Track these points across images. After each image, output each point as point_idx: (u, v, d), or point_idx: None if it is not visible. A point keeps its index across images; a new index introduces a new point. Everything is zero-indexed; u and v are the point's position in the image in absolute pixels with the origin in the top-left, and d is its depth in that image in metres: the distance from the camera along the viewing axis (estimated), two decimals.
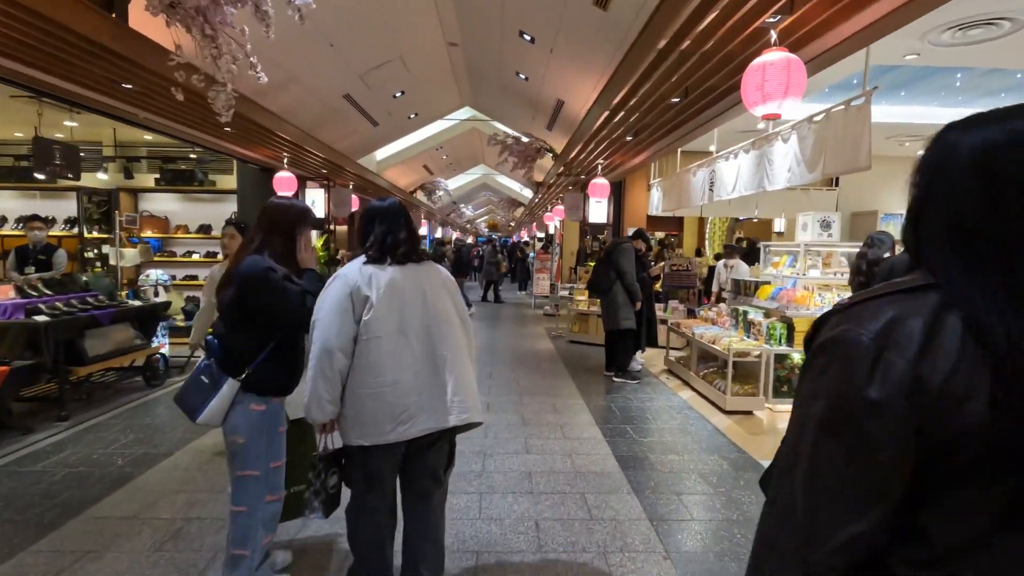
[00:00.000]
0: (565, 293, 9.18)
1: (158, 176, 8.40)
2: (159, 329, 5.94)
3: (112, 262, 5.84)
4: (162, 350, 5.96)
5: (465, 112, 14.16)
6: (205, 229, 8.77)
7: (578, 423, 4.76)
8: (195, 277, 8.81)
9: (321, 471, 2.20)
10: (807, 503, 0.67)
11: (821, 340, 0.70)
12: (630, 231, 8.79)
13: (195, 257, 8.73)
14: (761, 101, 2.87)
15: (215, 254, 8.76)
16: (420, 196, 16.56)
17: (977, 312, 0.61)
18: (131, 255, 6.03)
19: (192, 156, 8.21)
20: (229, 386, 2.29)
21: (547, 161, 9.72)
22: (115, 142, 8.07)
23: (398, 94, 9.05)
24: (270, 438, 2.35)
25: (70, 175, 5.21)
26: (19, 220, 7.96)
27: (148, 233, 8.64)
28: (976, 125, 0.67)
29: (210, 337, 2.40)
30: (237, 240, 3.12)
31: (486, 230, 44.61)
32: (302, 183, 9.17)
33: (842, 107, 3.95)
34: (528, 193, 20.96)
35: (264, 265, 2.26)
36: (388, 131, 11.03)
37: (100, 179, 8.30)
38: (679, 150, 8.02)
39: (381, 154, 14.41)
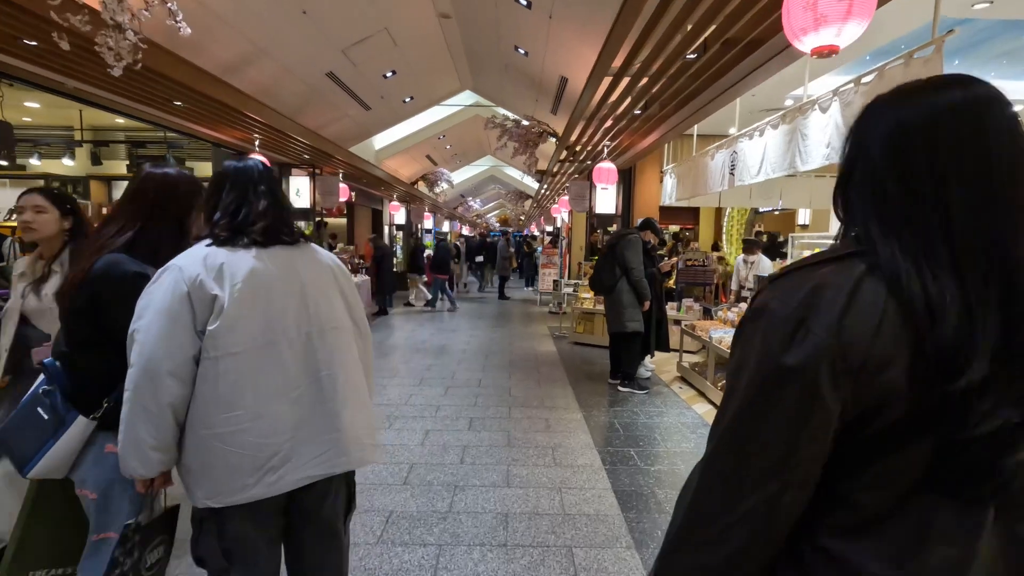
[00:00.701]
0: (569, 290, 8.45)
1: (129, 163, 7.81)
2: None
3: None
4: None
5: (467, 97, 13.43)
6: None
7: (573, 445, 4.05)
8: None
9: (133, 546, 1.51)
10: (725, 468, 0.67)
11: (748, 311, 0.70)
12: (639, 222, 8.04)
13: None
14: (812, 27, 2.07)
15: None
16: (422, 187, 15.89)
17: (897, 278, 0.62)
18: None
19: (163, 141, 7.60)
20: (79, 425, 1.64)
21: (551, 147, 8.98)
22: (81, 125, 7.49)
23: (389, 74, 8.35)
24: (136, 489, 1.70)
25: (4, 155, 4.61)
26: None
27: None
28: (896, 100, 0.68)
29: (49, 360, 1.74)
30: (50, 217, 2.08)
31: (497, 224, 43.91)
32: (286, 169, 8.53)
33: (901, 62, 3.17)
34: (534, 184, 20.19)
35: (131, 271, 1.62)
36: (383, 116, 10.34)
37: (67, 165, 7.74)
38: (695, 133, 7.24)
39: (380, 143, 13.76)
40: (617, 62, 4.05)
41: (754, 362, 0.66)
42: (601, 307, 6.88)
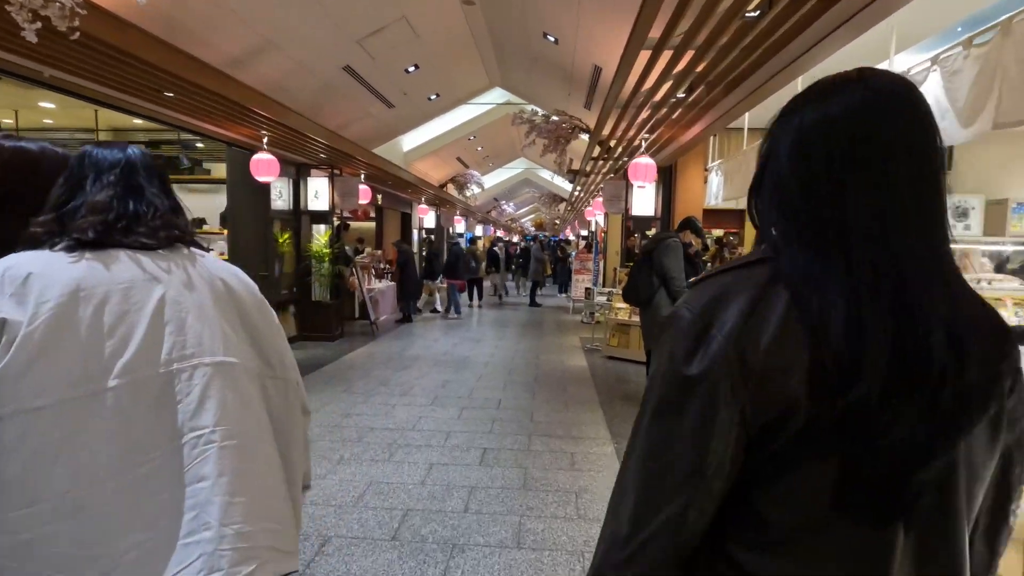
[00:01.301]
0: (602, 299, 7.77)
1: None
2: None
3: None
4: None
5: (498, 96, 12.91)
6: (199, 223, 7.89)
7: (601, 490, 3.39)
8: None
9: None
10: (632, 485, 0.66)
11: (665, 318, 0.69)
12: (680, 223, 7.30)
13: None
14: None
15: (210, 250, 7.86)
16: (451, 191, 15.45)
17: (796, 285, 0.61)
18: None
19: (177, 141, 7.33)
20: None
21: (583, 146, 8.33)
22: (97, 126, 7.29)
23: (411, 68, 7.89)
24: None
25: None
26: None
27: None
28: (802, 102, 0.67)
29: None
30: None
31: (532, 228, 43.35)
32: (304, 170, 8.16)
33: None
34: (567, 186, 19.46)
35: None
36: (408, 115, 9.91)
37: None
38: (745, 126, 6.46)
39: (408, 144, 13.38)
40: (655, 32, 3.39)
41: (662, 372, 0.65)
42: (637, 318, 6.18)
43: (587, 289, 7.78)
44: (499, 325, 10.28)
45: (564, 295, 16.31)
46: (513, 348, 7.97)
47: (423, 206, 13.60)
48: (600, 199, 10.38)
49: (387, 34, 6.63)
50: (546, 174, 21.90)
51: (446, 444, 4.10)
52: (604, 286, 11.12)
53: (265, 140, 6.05)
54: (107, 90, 4.22)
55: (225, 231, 7.47)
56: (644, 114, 5.25)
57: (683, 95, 4.42)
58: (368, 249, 14.26)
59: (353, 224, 16.12)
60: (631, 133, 6.00)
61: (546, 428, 4.50)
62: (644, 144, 5.74)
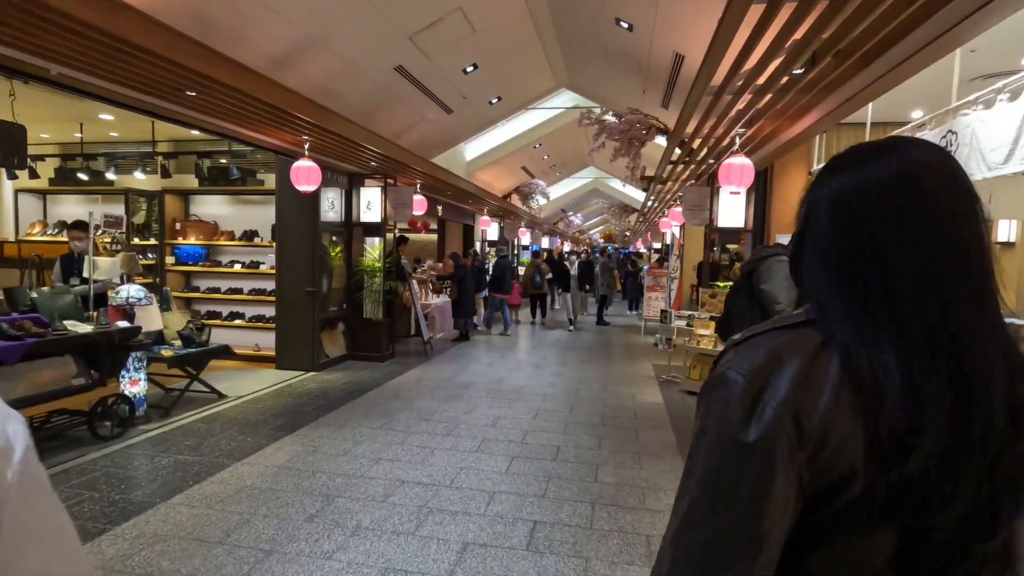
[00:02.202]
0: (681, 323, 6.74)
1: (205, 176, 7.39)
2: (131, 362, 4.60)
3: (86, 274, 4.64)
4: (131, 388, 4.61)
5: (565, 100, 12.13)
6: (250, 235, 7.63)
7: None
8: (239, 290, 7.71)
9: None
10: (685, 553, 0.63)
11: (709, 378, 0.68)
12: (779, 239, 6.18)
13: (237, 268, 7.61)
14: None
15: (259, 264, 7.59)
16: (516, 201, 14.79)
17: (847, 352, 0.61)
18: (106, 265, 4.81)
19: (228, 151, 7.07)
20: None
21: (657, 152, 7.35)
22: (153, 137, 7.17)
23: (469, 68, 7.28)
24: None
25: (13, 162, 4.02)
26: (60, 225, 7.32)
27: (192, 240, 7.70)
28: (836, 167, 0.68)
29: None
30: None
31: (600, 240, 42.08)
32: (358, 180, 7.72)
33: None
34: (640, 195, 18.23)
35: None
36: (468, 120, 9.33)
37: (139, 179, 7.47)
38: (868, 120, 5.29)
39: (471, 153, 12.87)
40: None
41: (713, 435, 0.64)
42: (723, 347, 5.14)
43: (664, 311, 6.77)
44: (563, 347, 9.41)
45: (634, 312, 15.19)
46: (577, 376, 7.09)
47: (485, 217, 13.01)
48: (678, 208, 9.33)
49: (441, 29, 6.03)
50: (616, 183, 20.84)
51: (487, 512, 3.30)
52: (681, 307, 10.03)
53: (307, 146, 5.58)
54: (120, 88, 3.80)
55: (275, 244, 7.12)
56: (740, 104, 4.28)
57: (800, 71, 3.42)
58: (430, 262, 13.87)
59: (413, 237, 15.85)
60: (720, 131, 5.01)
61: (614, 494, 3.60)
62: (738, 141, 4.74)
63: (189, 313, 7.83)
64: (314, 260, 6.86)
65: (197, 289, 7.88)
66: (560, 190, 20.13)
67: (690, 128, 5.35)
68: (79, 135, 7.66)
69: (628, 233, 30.82)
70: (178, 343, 5.32)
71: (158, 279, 7.74)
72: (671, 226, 12.81)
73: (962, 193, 0.62)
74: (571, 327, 11.31)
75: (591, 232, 40.55)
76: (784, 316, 0.68)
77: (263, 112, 4.73)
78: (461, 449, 4.34)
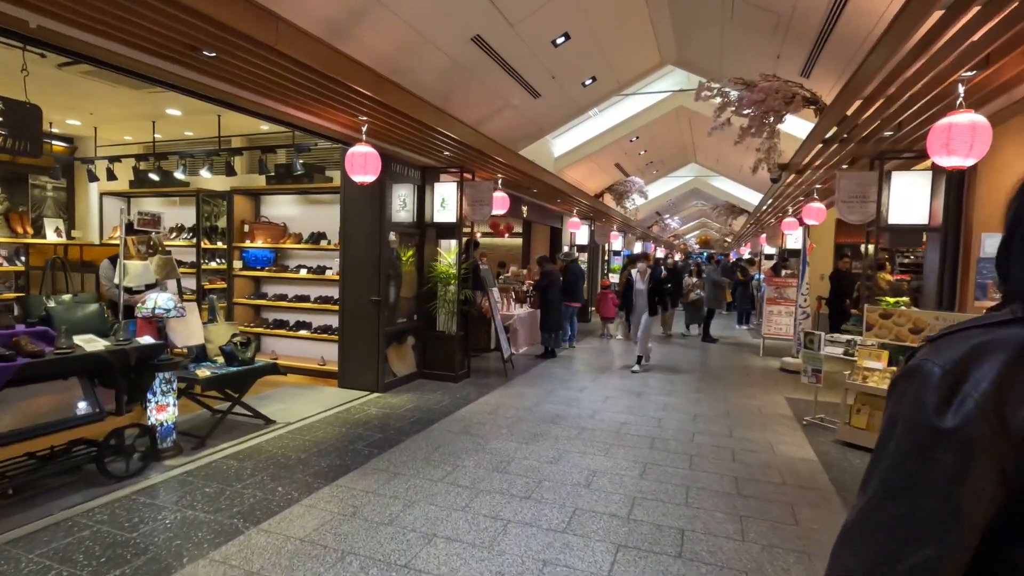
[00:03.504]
0: (835, 350, 5.12)
1: (271, 174, 6.83)
2: (158, 385, 3.89)
3: (117, 280, 4.02)
4: (158, 415, 3.90)
5: (668, 83, 10.64)
6: (317, 238, 6.97)
7: None
8: (305, 298, 7.07)
9: None
10: (874, 527, 0.64)
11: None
12: (985, 241, 4.48)
13: (303, 273, 6.96)
14: None
15: (326, 269, 6.89)
16: (609, 201, 13.42)
17: None
18: (137, 270, 4.17)
19: (291, 144, 6.41)
20: None
21: (788, 147, 5.76)
22: (219, 133, 6.70)
23: (560, 40, 6.14)
24: None
25: (24, 147, 3.43)
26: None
27: (260, 243, 7.16)
28: None
29: None
30: None
31: (696, 246, 39.23)
32: (432, 175, 6.82)
33: None
34: (749, 195, 15.93)
35: None
36: (557, 106, 8.19)
37: (207, 178, 7.03)
38: None
39: (559, 148, 11.72)
40: None
41: (907, 420, 0.64)
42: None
43: (809, 334, 5.17)
44: (665, 369, 7.96)
45: (745, 327, 13.25)
46: (690, 411, 5.67)
47: (574, 219, 11.78)
48: (816, 204, 7.60)
49: None
50: (721, 182, 18.79)
51: None
52: (816, 325, 8.27)
53: (364, 128, 4.69)
54: (111, 45, 3.03)
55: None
56: (977, 34, 2.76)
57: None
58: (513, 268, 12.85)
59: (496, 240, 14.89)
60: (926, 80, 3.43)
61: None
62: (962, 90, 3.19)
63: (257, 322, 7.31)
64: (380, 266, 6.01)
65: (265, 295, 7.34)
66: (656, 190, 18.42)
67: (869, 89, 3.81)
68: (159, 136, 7.42)
69: (728, 239, 28.13)
70: (221, 360, 4.61)
71: (225, 284, 7.29)
72: (797, 226, 10.90)
73: None
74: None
75: (687, 237, 37.91)
76: (986, 315, 0.68)
77: (311, 84, 3.87)
78: (544, 526, 3.16)
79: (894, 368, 4.65)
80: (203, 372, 4.26)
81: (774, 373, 7.92)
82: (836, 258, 10.96)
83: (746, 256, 20.39)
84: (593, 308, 13.81)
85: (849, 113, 4.51)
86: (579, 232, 12.91)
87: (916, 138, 4.78)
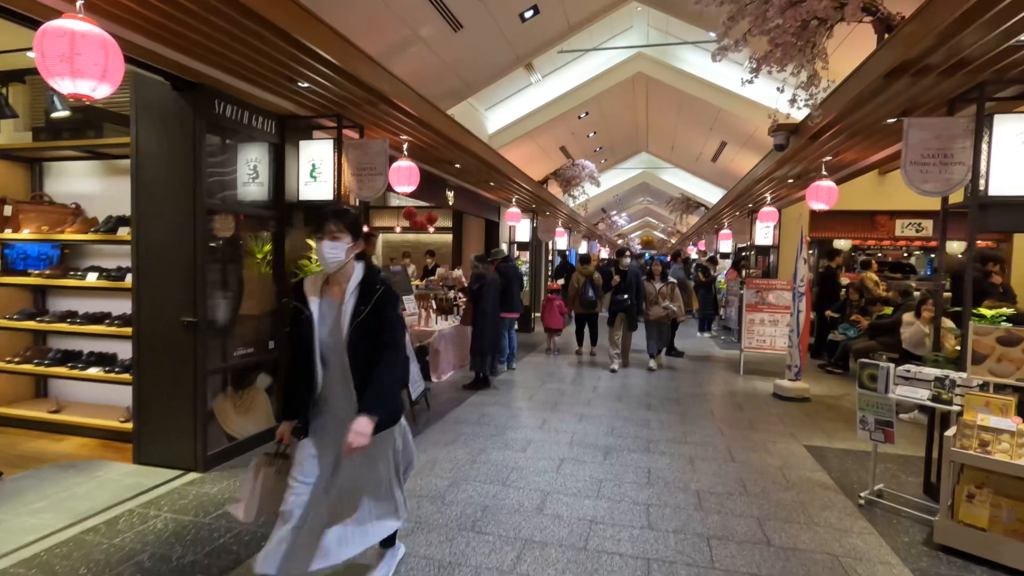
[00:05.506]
0: (914, 392, 3.30)
1: (41, 125, 4.35)
2: None
3: None
4: None
5: (631, 37, 8.79)
6: (114, 226, 4.50)
7: None
8: (105, 316, 4.58)
9: None
10: None
11: None
12: None
13: (92, 280, 4.48)
14: None
15: (128, 272, 4.43)
16: (555, 190, 11.50)
17: None
18: None
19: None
20: None
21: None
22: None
23: None
24: None
25: None
26: None
27: (32, 232, 4.62)
28: None
29: None
30: None
31: (638, 246, 38.28)
32: (295, 130, 4.54)
33: None
34: (703, 191, 14.27)
35: None
36: (486, 51, 6.10)
37: None
38: None
39: (494, 123, 9.65)
40: None
41: None
42: None
43: (866, 365, 3.31)
44: (636, 403, 6.03)
45: (707, 334, 11.65)
46: (688, 487, 3.71)
47: (513, 209, 9.74)
48: (823, 182, 5.91)
49: None
50: (672, 175, 17.35)
51: None
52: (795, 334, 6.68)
53: None
54: None
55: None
56: None
57: None
58: (440, 269, 10.64)
59: (419, 237, 12.62)
60: None
61: None
62: None
63: (36, 353, 4.76)
64: (196, 267, 3.70)
65: (45, 314, 4.79)
66: (604, 184, 16.72)
67: None
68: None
69: (673, 239, 26.95)
70: None
71: None
72: (776, 217, 9.36)
73: None
74: (652, 364, 7.86)
75: (630, 236, 36.88)
76: None
77: None
78: None
79: None
80: None
81: (767, 401, 6.17)
82: (820, 256, 9.49)
83: (693, 255, 19.06)
84: (538, 314, 11.83)
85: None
86: (520, 226, 10.89)
87: None
